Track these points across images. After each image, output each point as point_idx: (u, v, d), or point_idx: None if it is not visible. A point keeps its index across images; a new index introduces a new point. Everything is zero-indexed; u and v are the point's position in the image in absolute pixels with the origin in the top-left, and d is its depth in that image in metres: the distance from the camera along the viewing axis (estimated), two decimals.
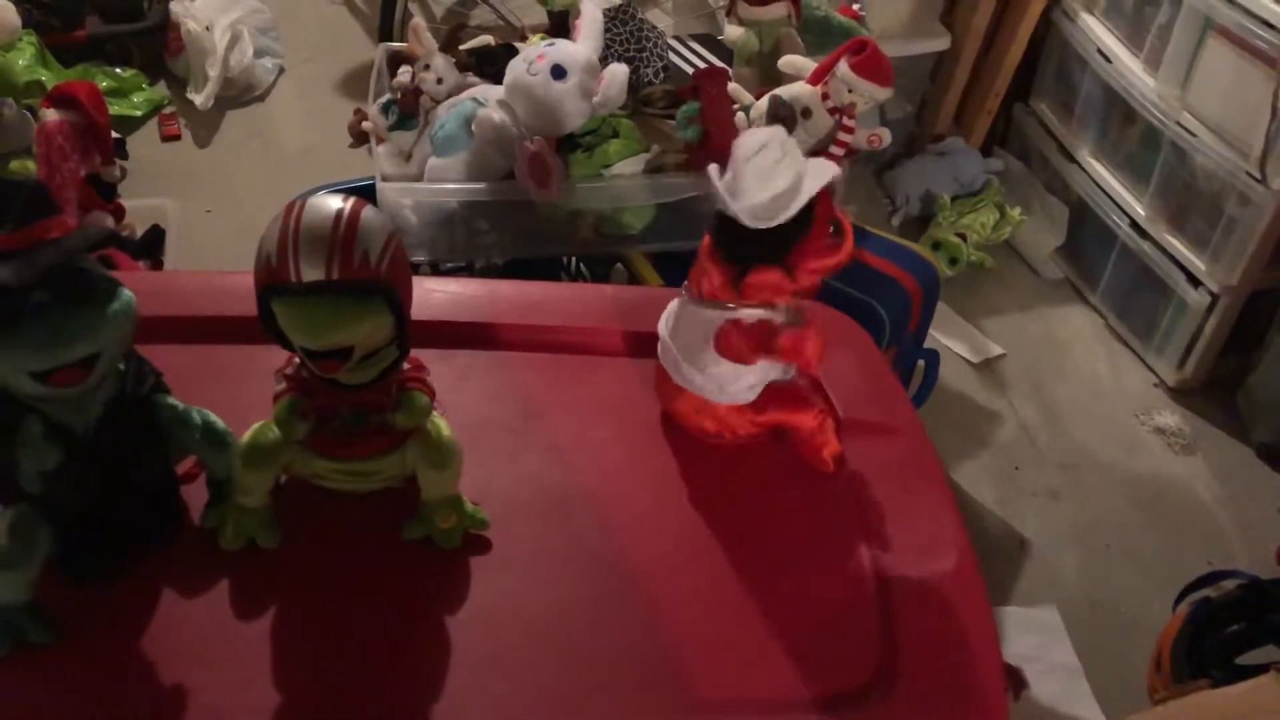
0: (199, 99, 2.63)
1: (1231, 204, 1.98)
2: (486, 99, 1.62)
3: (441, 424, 0.82)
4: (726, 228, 0.81)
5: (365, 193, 1.70)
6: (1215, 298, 2.05)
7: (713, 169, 0.82)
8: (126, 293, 0.72)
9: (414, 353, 0.94)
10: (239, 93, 2.73)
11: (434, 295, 1.02)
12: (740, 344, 0.84)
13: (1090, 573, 1.85)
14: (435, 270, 1.92)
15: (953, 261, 2.34)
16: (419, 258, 1.70)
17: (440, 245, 1.70)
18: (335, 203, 0.72)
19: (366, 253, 0.71)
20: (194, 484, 0.83)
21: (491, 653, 0.75)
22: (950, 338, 2.22)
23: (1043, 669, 1.70)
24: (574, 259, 1.87)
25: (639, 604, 0.80)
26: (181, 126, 2.62)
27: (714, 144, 1.59)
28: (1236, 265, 2.00)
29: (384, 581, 0.80)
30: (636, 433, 0.92)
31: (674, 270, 1.74)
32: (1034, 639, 1.74)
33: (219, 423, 0.81)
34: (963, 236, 2.34)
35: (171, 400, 0.76)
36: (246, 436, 0.78)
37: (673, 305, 0.91)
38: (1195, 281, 2.08)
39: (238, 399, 0.82)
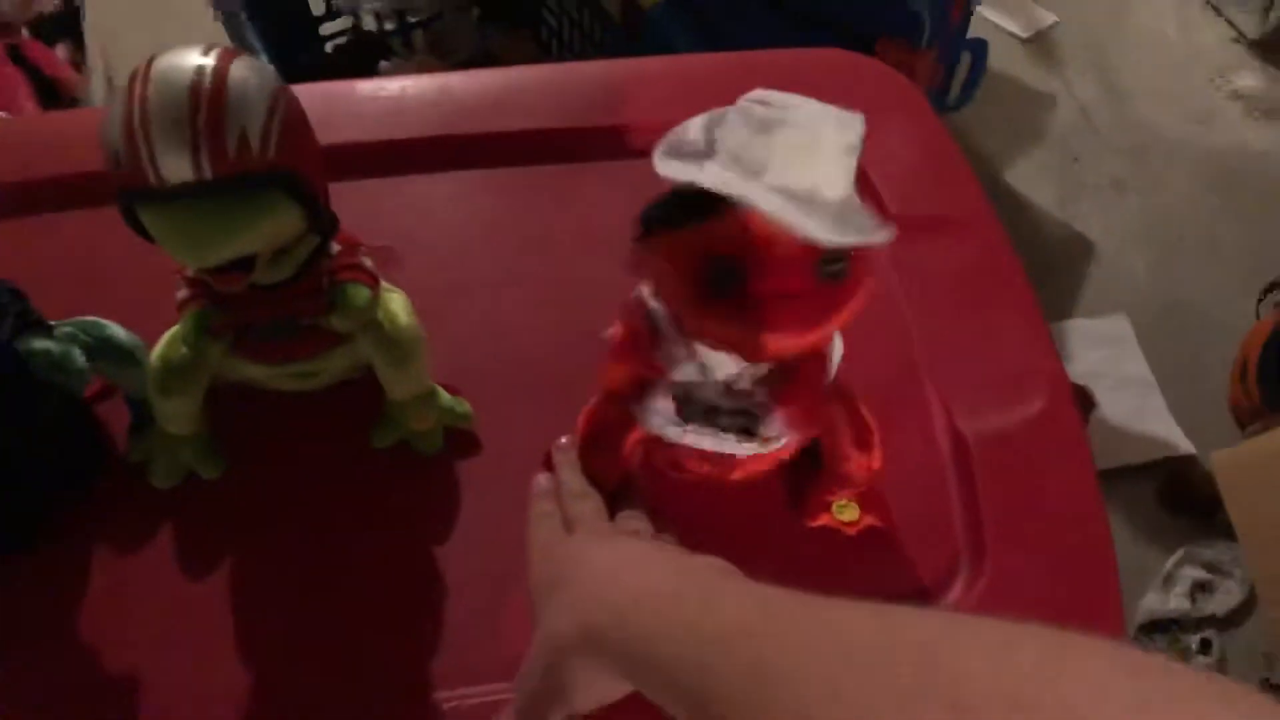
0: None
1: None
2: None
3: (396, 306, 0.65)
4: None
5: None
6: None
7: None
8: None
9: (357, 184, 0.76)
10: None
11: (368, 105, 0.81)
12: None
13: (1162, 271, 1.68)
14: (400, 14, 1.67)
15: None
16: (373, 3, 1.45)
17: None
18: (189, 64, 0.51)
19: (245, 132, 0.51)
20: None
21: (497, 577, 0.62)
22: (993, 9, 1.94)
23: (1113, 384, 1.57)
24: None
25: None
26: None
27: None
28: None
29: (355, 503, 0.65)
30: None
31: None
32: (1102, 352, 1.61)
33: (117, 334, 0.64)
34: None
35: (40, 343, 0.59)
36: (155, 357, 0.62)
37: None
38: None
39: (149, 279, 0.64)
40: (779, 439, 0.58)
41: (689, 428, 0.57)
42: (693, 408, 0.56)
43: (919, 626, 0.34)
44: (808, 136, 0.43)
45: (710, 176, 0.44)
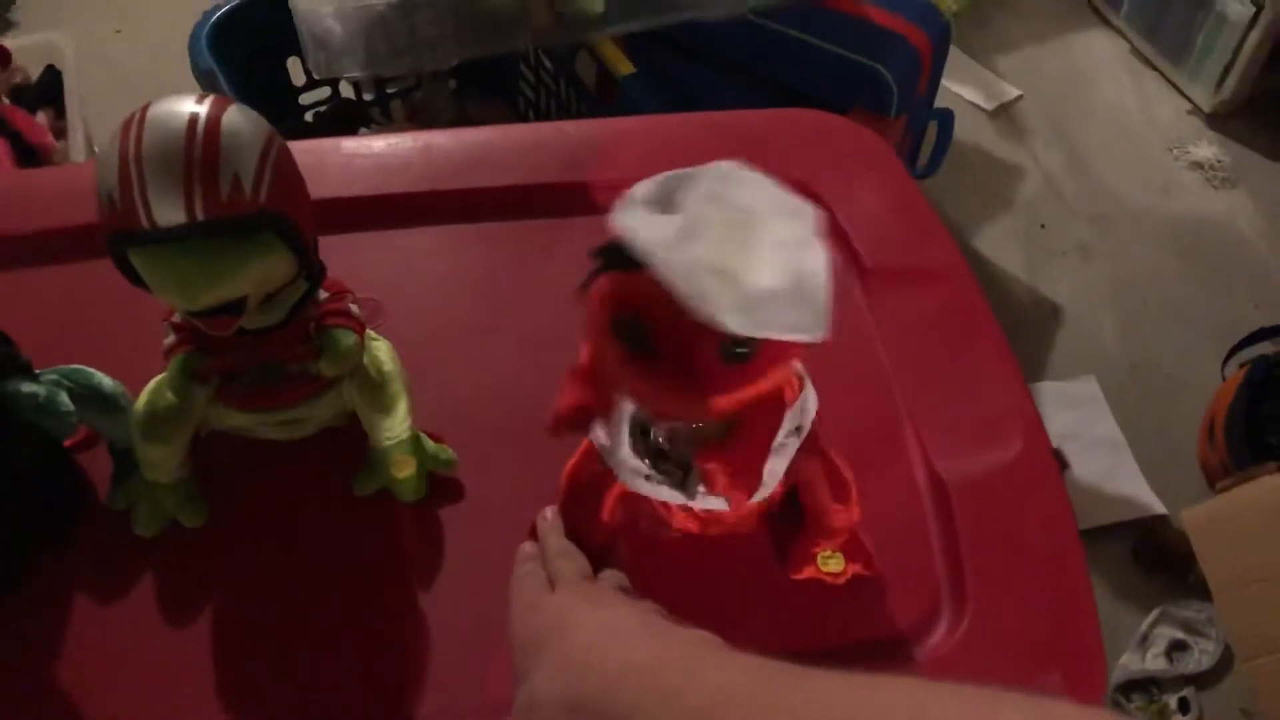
0: None
1: None
2: None
3: (381, 352, 0.66)
4: None
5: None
6: (1259, 6, 1.82)
7: None
8: None
9: (343, 238, 0.77)
10: None
11: (355, 162, 0.83)
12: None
13: (1129, 333, 1.72)
14: (379, 85, 1.70)
15: None
16: (352, 73, 1.48)
17: (376, 55, 1.47)
18: (184, 111, 0.53)
19: (238, 176, 0.52)
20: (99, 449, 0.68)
21: (480, 624, 0.62)
22: (960, 84, 2.00)
23: (1084, 446, 1.59)
24: (533, 51, 1.65)
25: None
26: None
27: None
28: None
29: (338, 551, 0.65)
30: None
31: (645, 54, 1.53)
32: (1073, 414, 1.63)
33: (102, 382, 0.65)
34: None
35: (27, 387, 0.59)
36: (140, 403, 0.62)
37: None
38: None
39: (133, 331, 0.64)
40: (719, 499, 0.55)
41: (650, 474, 0.56)
42: (644, 449, 0.55)
43: (902, 694, 0.34)
44: (746, 219, 0.43)
45: (639, 233, 0.43)
